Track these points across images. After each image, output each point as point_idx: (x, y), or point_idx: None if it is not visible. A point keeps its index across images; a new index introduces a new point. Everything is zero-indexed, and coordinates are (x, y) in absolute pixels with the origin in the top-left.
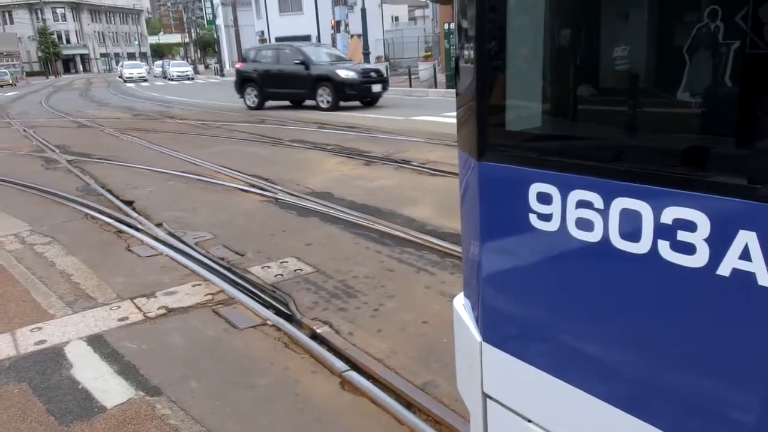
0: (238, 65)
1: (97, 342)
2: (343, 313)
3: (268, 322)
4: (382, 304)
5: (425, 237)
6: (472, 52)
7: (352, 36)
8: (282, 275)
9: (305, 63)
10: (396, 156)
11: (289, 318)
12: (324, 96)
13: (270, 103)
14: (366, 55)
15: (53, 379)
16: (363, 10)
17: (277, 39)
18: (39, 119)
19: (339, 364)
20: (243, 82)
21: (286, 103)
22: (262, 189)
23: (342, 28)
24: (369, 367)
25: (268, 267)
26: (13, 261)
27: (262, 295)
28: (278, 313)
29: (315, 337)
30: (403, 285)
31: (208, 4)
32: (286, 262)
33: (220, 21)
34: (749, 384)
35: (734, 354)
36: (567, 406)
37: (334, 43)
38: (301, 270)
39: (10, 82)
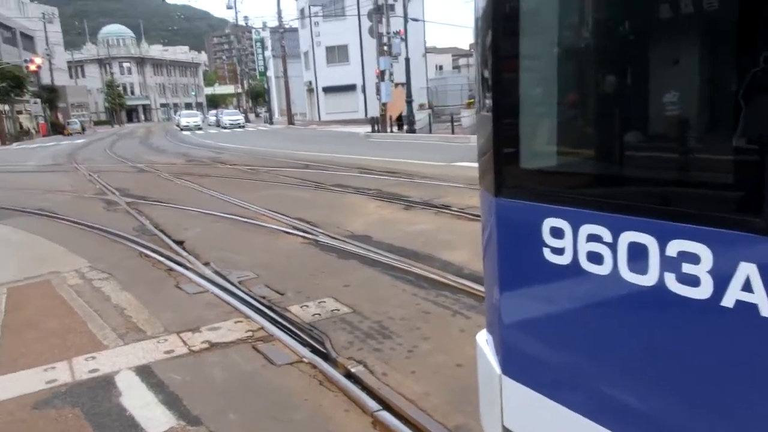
0: None
1: (145, 372)
2: (377, 354)
3: (304, 359)
4: (416, 346)
5: (462, 281)
6: (491, 101)
7: (396, 85)
8: (319, 315)
9: None
10: (435, 201)
11: (325, 356)
12: None
13: None
14: (409, 102)
15: (104, 406)
16: (407, 60)
17: (324, 89)
18: (103, 165)
19: (371, 404)
20: None
21: None
22: (304, 231)
23: (386, 77)
24: (401, 408)
25: (307, 306)
26: (73, 295)
27: (300, 333)
28: (314, 351)
29: (349, 376)
30: (438, 327)
31: (261, 57)
32: (324, 302)
33: (270, 72)
34: (757, 411)
35: (741, 384)
36: None
37: (378, 92)
38: (338, 310)
39: (80, 130)
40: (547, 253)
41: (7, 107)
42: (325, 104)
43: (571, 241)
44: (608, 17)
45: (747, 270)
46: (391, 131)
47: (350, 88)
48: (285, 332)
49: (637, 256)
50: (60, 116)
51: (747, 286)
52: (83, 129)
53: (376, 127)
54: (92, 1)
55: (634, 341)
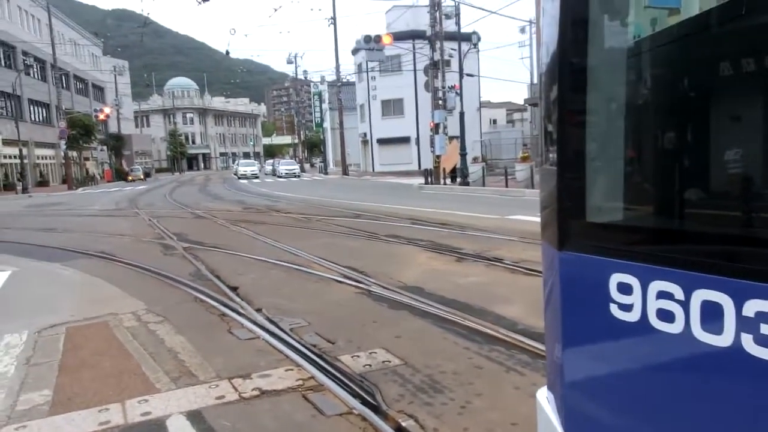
0: None
1: (196, 417)
2: (428, 408)
3: (354, 411)
4: (469, 402)
5: (516, 336)
6: (555, 155)
7: (450, 138)
8: (370, 365)
9: None
10: (488, 254)
11: (375, 408)
12: None
13: None
14: (463, 155)
15: None
16: (461, 114)
17: (379, 140)
18: (162, 210)
19: None
20: None
21: None
22: (356, 281)
23: (441, 130)
24: None
25: (358, 356)
26: (129, 337)
27: (350, 384)
28: (365, 402)
29: (400, 430)
30: (491, 383)
31: (318, 109)
32: (375, 352)
33: (327, 124)
34: None
35: None
36: None
37: (432, 144)
38: (390, 362)
39: (141, 177)
40: (614, 309)
41: (75, 153)
42: (379, 155)
43: (640, 297)
44: (674, 73)
45: None
46: (444, 183)
47: (404, 140)
48: (335, 382)
49: (711, 315)
50: (124, 163)
51: None
52: (148, 175)
53: (429, 179)
54: (161, 56)
55: (706, 405)
